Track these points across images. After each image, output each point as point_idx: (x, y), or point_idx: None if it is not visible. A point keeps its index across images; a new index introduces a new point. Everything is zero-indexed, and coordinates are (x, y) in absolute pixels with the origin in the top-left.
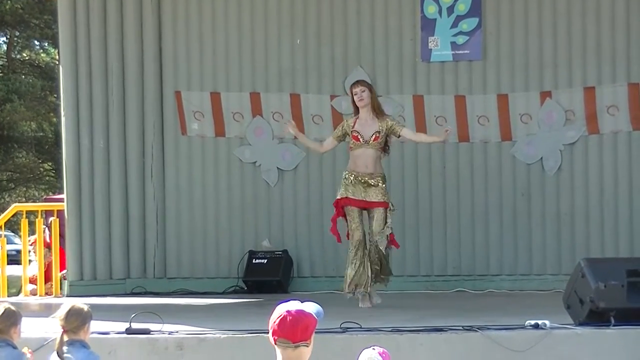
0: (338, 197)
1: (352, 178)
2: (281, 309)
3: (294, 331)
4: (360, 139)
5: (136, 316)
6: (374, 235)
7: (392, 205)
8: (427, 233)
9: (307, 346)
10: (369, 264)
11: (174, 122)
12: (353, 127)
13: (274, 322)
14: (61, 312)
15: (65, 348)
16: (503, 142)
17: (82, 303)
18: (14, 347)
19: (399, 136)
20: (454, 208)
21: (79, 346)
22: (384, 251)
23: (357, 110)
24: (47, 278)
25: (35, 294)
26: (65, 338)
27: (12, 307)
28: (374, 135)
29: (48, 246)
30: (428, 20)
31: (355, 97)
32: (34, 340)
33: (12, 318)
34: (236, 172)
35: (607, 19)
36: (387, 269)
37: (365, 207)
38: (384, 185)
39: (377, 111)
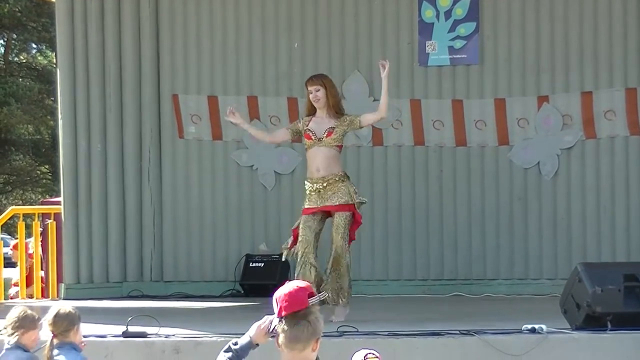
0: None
1: (307, 186)
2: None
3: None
4: (313, 137)
5: (133, 319)
6: (334, 244)
7: (359, 202)
8: (424, 237)
9: (314, 350)
10: (333, 274)
11: (171, 126)
12: (307, 125)
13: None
14: (49, 316)
15: (55, 351)
16: (500, 146)
17: (69, 305)
18: (25, 350)
19: (362, 127)
20: (450, 212)
21: (69, 349)
22: (348, 262)
23: (313, 108)
24: (29, 281)
25: (17, 297)
26: (55, 341)
27: (29, 311)
28: (327, 132)
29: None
30: (425, 25)
31: (310, 97)
32: None
33: (25, 323)
34: (233, 176)
35: (604, 23)
36: (348, 284)
37: (325, 212)
38: (343, 185)
39: (335, 110)
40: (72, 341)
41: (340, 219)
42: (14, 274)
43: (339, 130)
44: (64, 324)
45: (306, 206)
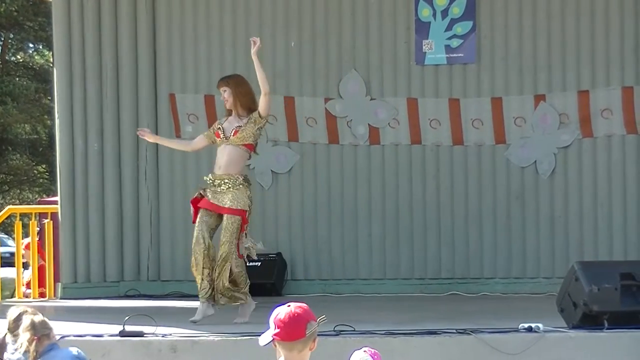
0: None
1: (208, 180)
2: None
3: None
4: (221, 135)
5: (130, 319)
6: (220, 247)
7: (248, 210)
8: (421, 236)
9: (311, 349)
10: (211, 275)
11: (168, 125)
12: (222, 124)
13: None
14: (26, 323)
15: (42, 357)
16: (497, 145)
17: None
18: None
19: (263, 116)
20: (447, 211)
21: (57, 348)
22: (234, 267)
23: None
24: (40, 282)
25: (27, 297)
26: (42, 345)
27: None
28: (234, 130)
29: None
30: (422, 23)
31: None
32: None
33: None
34: None
35: (601, 22)
36: (239, 287)
37: (217, 211)
38: (237, 190)
39: (247, 109)
40: (55, 342)
41: (228, 223)
42: (26, 273)
43: (247, 129)
44: (47, 325)
45: (205, 195)
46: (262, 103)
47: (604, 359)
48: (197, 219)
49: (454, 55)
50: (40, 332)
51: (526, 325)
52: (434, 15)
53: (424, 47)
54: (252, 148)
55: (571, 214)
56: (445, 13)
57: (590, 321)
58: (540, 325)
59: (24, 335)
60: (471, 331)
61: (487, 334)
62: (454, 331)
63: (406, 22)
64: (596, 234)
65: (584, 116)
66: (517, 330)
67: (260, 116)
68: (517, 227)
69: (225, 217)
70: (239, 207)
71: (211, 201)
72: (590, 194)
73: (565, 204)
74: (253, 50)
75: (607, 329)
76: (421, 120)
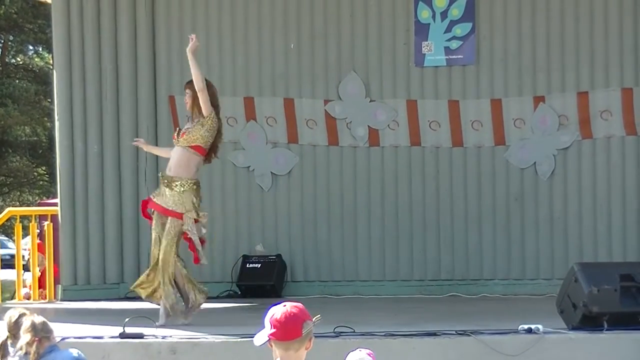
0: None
1: (160, 179)
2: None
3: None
4: (175, 136)
5: (130, 320)
6: (160, 251)
7: (196, 214)
8: (421, 238)
9: (307, 348)
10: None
11: (168, 126)
12: (183, 127)
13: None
14: (26, 325)
15: (42, 359)
16: (496, 146)
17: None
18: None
19: (207, 115)
20: (447, 213)
21: (57, 349)
22: (181, 272)
23: None
24: (41, 284)
25: (29, 298)
26: (42, 347)
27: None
28: (182, 132)
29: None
30: (422, 25)
31: None
32: None
33: (18, 325)
34: (230, 177)
35: (600, 23)
36: (189, 290)
37: (162, 213)
38: (183, 192)
39: (199, 113)
40: (55, 344)
41: (170, 225)
42: (28, 275)
43: (194, 131)
44: (47, 327)
45: (152, 197)
46: (201, 101)
47: None
48: (154, 219)
49: (454, 56)
50: (40, 333)
51: (526, 327)
52: (433, 16)
53: (423, 49)
54: (202, 151)
55: (570, 216)
56: (444, 15)
57: (589, 322)
58: (539, 326)
59: (25, 337)
60: (471, 332)
61: (487, 335)
62: (454, 332)
63: (405, 24)
64: (595, 235)
65: (584, 117)
66: (516, 332)
67: (205, 116)
68: (517, 228)
69: (168, 220)
70: (179, 211)
71: (155, 202)
72: (589, 195)
73: (564, 205)
74: (189, 47)
75: (607, 330)
76: (421, 122)
